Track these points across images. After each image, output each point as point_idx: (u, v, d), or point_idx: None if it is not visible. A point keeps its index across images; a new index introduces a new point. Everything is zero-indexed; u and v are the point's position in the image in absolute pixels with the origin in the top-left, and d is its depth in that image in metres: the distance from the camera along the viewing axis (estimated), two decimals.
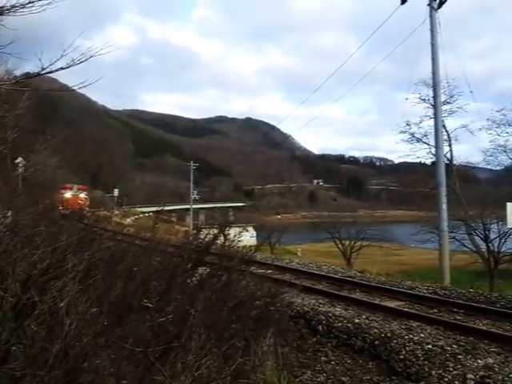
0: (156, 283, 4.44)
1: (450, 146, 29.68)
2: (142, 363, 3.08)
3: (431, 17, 14.25)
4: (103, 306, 3.32)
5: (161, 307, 3.90)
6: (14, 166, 18.51)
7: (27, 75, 5.41)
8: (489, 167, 33.32)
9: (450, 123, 40.90)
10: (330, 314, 6.34)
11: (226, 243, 6.98)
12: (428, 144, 29.43)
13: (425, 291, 8.31)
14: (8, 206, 4.96)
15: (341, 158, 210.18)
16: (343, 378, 4.77)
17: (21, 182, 13.64)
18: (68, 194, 32.34)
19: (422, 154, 30.79)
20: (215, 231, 6.97)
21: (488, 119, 29.07)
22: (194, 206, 56.30)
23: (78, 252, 3.62)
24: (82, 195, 34.65)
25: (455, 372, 4.50)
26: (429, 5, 14.27)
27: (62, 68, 3.89)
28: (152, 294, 4.16)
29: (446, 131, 28.65)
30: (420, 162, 33.58)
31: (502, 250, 28.48)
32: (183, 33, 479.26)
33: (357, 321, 6.03)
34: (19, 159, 19.14)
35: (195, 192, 59.81)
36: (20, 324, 2.73)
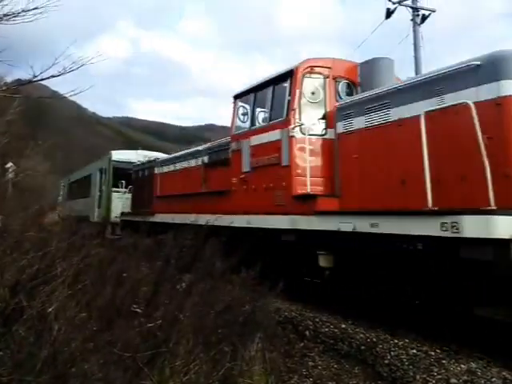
0: (145, 288, 4.47)
1: None
2: (131, 368, 3.09)
3: (414, 31, 14.92)
4: (92, 311, 3.35)
5: (149, 312, 3.93)
6: (3, 171, 18.31)
7: (18, 82, 5.45)
8: None
9: None
10: (317, 320, 6.39)
11: None
12: None
13: None
14: None
15: None
16: (330, 383, 4.81)
17: (11, 187, 13.52)
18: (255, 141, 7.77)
19: None
20: None
21: None
22: None
23: (67, 257, 3.65)
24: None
25: (439, 376, 4.57)
26: (412, 20, 14.93)
27: (53, 76, 3.97)
28: (141, 299, 4.19)
29: None
30: None
31: None
32: (174, 43, 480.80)
33: (343, 326, 6.09)
34: (9, 164, 18.92)
35: None
36: (8, 329, 2.75)
